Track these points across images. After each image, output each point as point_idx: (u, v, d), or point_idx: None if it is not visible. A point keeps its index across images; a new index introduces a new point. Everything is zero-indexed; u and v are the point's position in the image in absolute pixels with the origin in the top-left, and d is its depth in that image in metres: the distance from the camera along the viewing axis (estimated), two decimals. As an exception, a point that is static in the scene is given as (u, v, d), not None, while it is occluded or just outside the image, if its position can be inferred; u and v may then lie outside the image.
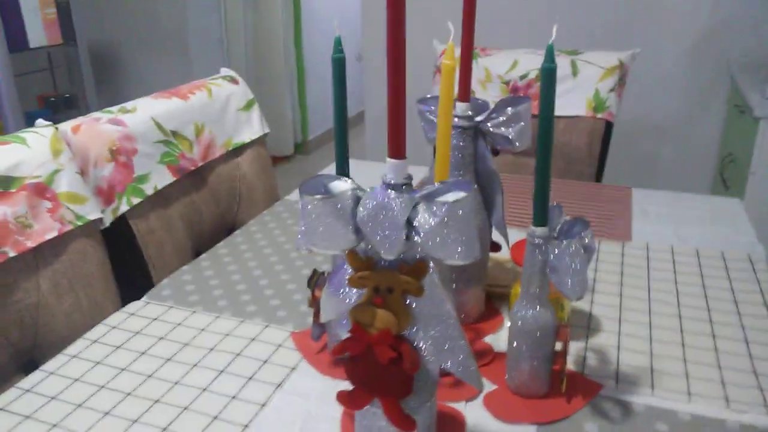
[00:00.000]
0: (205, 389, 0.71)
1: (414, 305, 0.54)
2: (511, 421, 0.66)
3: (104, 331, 0.81)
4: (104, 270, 0.88)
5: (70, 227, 0.83)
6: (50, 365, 0.75)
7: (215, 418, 0.66)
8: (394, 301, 0.53)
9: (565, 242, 0.61)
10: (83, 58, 2.51)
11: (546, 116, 0.60)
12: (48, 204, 0.80)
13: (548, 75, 0.58)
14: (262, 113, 1.23)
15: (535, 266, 0.64)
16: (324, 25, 3.94)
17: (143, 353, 0.77)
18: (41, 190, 0.80)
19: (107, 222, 0.91)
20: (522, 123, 0.77)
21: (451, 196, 0.49)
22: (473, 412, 0.67)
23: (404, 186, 0.52)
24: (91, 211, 0.86)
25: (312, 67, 3.93)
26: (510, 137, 0.77)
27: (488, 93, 1.60)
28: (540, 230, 0.64)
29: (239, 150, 1.20)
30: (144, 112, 1.01)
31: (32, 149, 0.81)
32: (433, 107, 0.81)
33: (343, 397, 0.58)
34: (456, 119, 0.76)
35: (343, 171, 0.70)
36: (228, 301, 0.89)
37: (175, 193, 1.06)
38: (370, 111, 2.64)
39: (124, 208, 0.94)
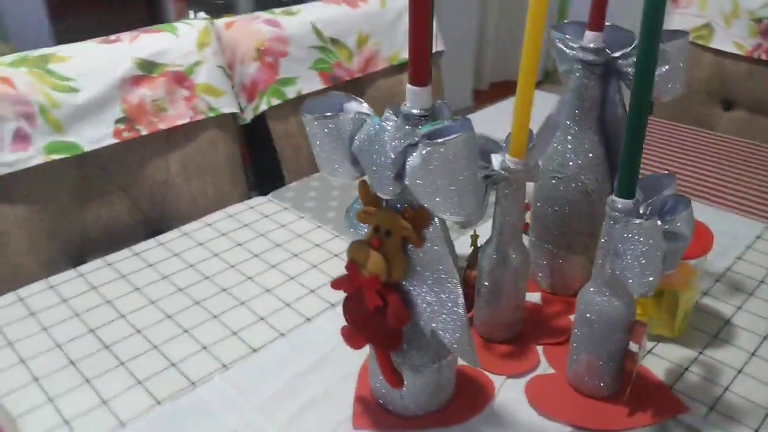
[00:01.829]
0: (268, 290, 0.73)
1: (414, 257, 0.47)
2: (544, 413, 0.56)
3: (220, 218, 0.88)
4: (233, 162, 0.94)
5: (202, 117, 0.89)
6: (163, 237, 0.83)
7: (262, 319, 0.68)
8: (391, 245, 0.47)
9: (639, 222, 0.48)
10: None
11: (646, 54, 0.46)
12: (185, 92, 0.87)
13: (654, 2, 0.44)
14: (440, 29, 1.17)
15: (611, 245, 0.52)
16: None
17: (239, 245, 0.82)
18: (180, 78, 0.87)
19: (248, 118, 0.96)
20: (667, 65, 0.61)
21: (445, 137, 0.40)
22: (510, 390, 0.59)
23: (422, 117, 0.45)
24: (226, 105, 0.91)
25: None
26: (648, 82, 0.61)
27: (731, 31, 1.30)
28: (623, 203, 0.51)
29: (406, 65, 1.15)
30: (305, 16, 1.02)
31: (179, 39, 0.88)
32: (568, 35, 0.68)
33: (344, 332, 0.54)
34: (581, 53, 0.63)
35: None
36: (335, 215, 0.89)
37: (326, 100, 1.07)
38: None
39: (263, 107, 0.98)
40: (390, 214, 0.47)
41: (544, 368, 0.62)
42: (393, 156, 0.42)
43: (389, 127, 0.43)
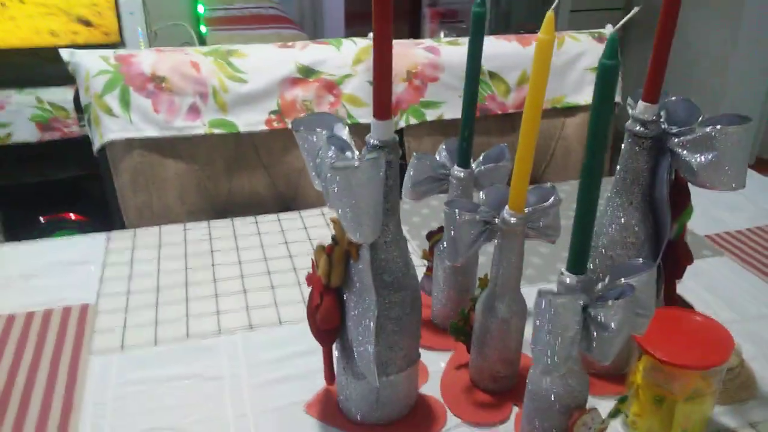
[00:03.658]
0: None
1: (353, 270, 0.53)
2: (472, 464, 0.56)
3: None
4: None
5: (340, 121, 1.01)
6: (283, 215, 0.97)
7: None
8: (336, 254, 0.54)
9: (551, 297, 0.46)
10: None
11: (596, 128, 0.44)
12: (331, 98, 1.00)
13: (606, 73, 0.42)
14: (622, 80, 1.11)
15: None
16: None
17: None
18: (330, 86, 1.00)
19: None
20: (714, 152, 0.55)
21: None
22: (460, 433, 0.60)
23: (378, 147, 0.51)
24: (364, 116, 1.02)
25: None
26: (693, 166, 0.56)
27: None
28: (571, 278, 0.49)
29: (571, 110, 1.13)
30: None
31: (340, 54, 1.00)
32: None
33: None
34: (630, 121, 0.59)
35: (464, 138, 0.67)
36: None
37: (472, 129, 1.11)
38: None
39: (401, 124, 1.06)
40: (341, 227, 0.53)
41: (508, 428, 0.61)
42: (328, 176, 0.49)
43: (330, 152, 0.49)
